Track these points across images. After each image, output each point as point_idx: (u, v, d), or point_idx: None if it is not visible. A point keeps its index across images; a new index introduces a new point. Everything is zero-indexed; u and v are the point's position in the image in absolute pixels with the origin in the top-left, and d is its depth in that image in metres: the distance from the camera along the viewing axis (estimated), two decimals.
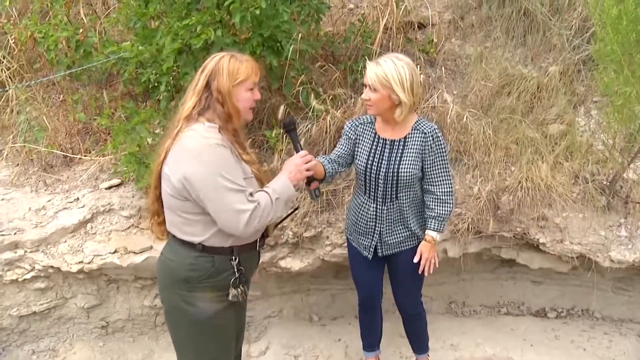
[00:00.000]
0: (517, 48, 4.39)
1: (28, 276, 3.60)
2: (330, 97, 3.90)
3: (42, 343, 3.80)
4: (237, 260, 2.40)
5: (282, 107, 3.82)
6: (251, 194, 2.29)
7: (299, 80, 3.82)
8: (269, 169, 3.91)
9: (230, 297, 2.41)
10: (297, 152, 2.54)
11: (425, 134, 2.85)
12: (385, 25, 4.19)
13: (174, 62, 3.53)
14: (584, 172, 3.80)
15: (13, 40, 4.74)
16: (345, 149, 3.03)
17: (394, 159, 2.87)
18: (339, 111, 3.80)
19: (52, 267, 3.60)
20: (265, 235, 2.57)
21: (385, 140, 2.92)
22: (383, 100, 2.76)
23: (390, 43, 4.17)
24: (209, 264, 2.37)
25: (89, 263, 3.59)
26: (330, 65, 4.02)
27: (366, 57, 3.95)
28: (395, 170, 2.86)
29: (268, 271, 3.90)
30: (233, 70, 2.32)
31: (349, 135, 3.02)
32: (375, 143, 2.94)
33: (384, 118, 2.89)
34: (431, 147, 2.85)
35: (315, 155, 3.79)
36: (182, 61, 3.52)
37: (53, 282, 3.70)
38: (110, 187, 4.01)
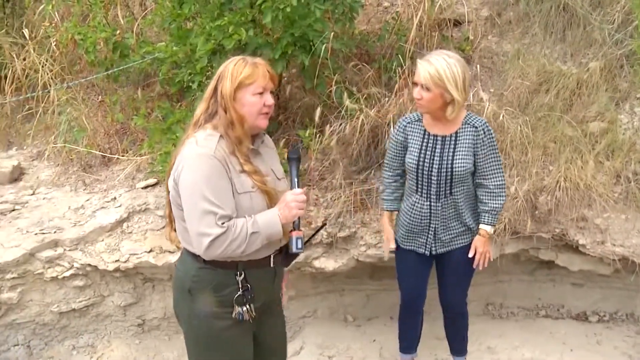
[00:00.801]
0: (555, 44, 4.28)
1: (67, 274, 3.68)
2: (364, 96, 3.87)
3: (82, 339, 3.87)
4: (242, 275, 2.23)
5: (318, 109, 3.82)
6: (227, 218, 2.08)
7: (333, 80, 3.81)
8: (303, 169, 3.92)
9: (233, 315, 2.24)
10: (291, 189, 2.26)
11: (476, 127, 2.84)
12: (420, 22, 4.15)
13: (208, 62, 3.56)
14: (627, 172, 3.67)
15: (54, 43, 4.86)
16: (399, 157, 3.01)
17: (446, 154, 2.85)
18: (372, 110, 3.77)
19: (89, 265, 3.67)
20: (283, 251, 2.33)
21: (436, 136, 2.88)
22: (435, 99, 2.73)
23: (425, 41, 4.11)
24: (211, 276, 2.22)
25: (125, 262, 3.65)
26: (364, 64, 4.00)
27: (400, 56, 3.92)
28: (449, 165, 2.83)
29: (303, 271, 3.90)
30: (237, 72, 2.17)
31: (398, 138, 2.98)
32: (425, 140, 2.90)
33: (433, 115, 2.86)
34: (483, 141, 2.83)
35: (351, 156, 3.80)
36: (216, 61, 3.54)
37: (91, 280, 3.77)
38: (146, 187, 4.07)
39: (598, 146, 3.72)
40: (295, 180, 2.26)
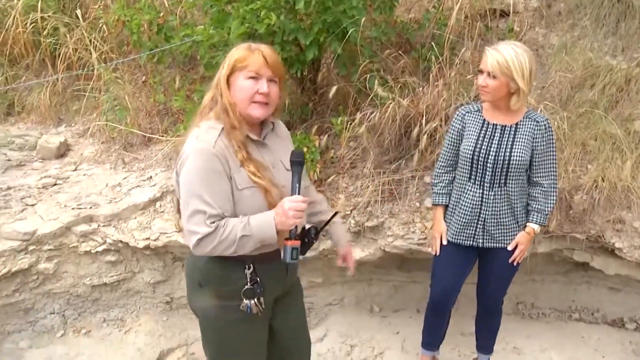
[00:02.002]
0: (606, 37, 4.10)
1: (100, 249, 3.80)
2: (399, 86, 3.80)
3: (112, 312, 3.99)
4: (251, 269, 2.18)
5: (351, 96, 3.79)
6: (217, 217, 2.02)
7: (367, 67, 3.76)
8: (334, 156, 3.90)
9: (241, 307, 2.19)
10: (291, 194, 2.09)
11: (538, 122, 2.82)
12: (464, 13, 4.04)
13: None
14: None
15: (102, 25, 5.00)
16: (454, 147, 2.97)
17: (504, 143, 2.82)
18: (406, 100, 3.70)
19: (121, 241, 3.77)
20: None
21: (496, 125, 2.85)
22: (501, 88, 2.72)
23: (466, 30, 4.01)
24: (218, 270, 2.18)
25: (155, 240, 3.73)
26: (400, 52, 3.92)
27: (438, 45, 3.82)
28: (507, 154, 2.80)
29: (330, 259, 3.89)
30: (232, 56, 2.09)
31: (456, 126, 2.95)
32: (484, 128, 2.87)
33: (496, 105, 2.84)
34: (543, 137, 2.81)
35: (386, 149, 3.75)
36: None
37: (123, 256, 3.87)
38: None
39: None
40: (297, 186, 2.09)
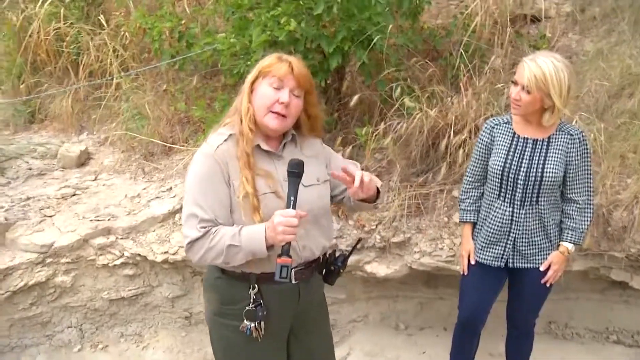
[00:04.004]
0: None
1: (118, 262, 3.71)
2: (426, 95, 3.65)
3: (130, 327, 3.90)
4: (256, 289, 2.07)
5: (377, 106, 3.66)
6: (209, 223, 1.95)
7: (393, 76, 3.62)
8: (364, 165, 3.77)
9: (240, 328, 2.08)
10: (286, 207, 1.93)
11: (571, 135, 2.65)
12: (493, 19, 3.88)
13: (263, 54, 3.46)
14: None
15: (125, 32, 4.94)
16: (482, 161, 2.81)
17: (536, 158, 2.65)
18: (434, 110, 3.54)
19: (139, 255, 3.68)
20: (313, 265, 2.17)
21: (527, 138, 2.69)
22: (534, 103, 2.56)
23: (496, 37, 3.84)
24: (225, 287, 2.12)
25: (174, 254, 3.64)
26: (427, 60, 3.77)
27: (467, 53, 3.67)
28: (539, 170, 2.63)
29: (354, 275, 3.75)
30: (261, 62, 2.05)
31: (484, 140, 2.79)
32: (514, 142, 2.71)
33: (526, 118, 2.68)
34: (577, 151, 2.66)
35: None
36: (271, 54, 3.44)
37: (141, 269, 3.79)
38: None
39: None
40: (291, 199, 1.93)
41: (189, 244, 1.97)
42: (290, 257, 1.91)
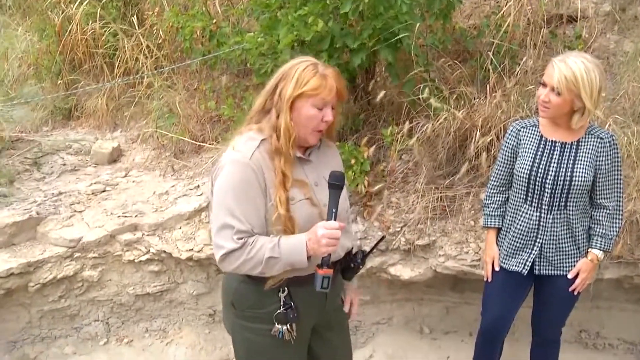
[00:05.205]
0: None
1: (143, 258, 3.76)
2: (454, 97, 3.59)
3: (155, 323, 3.94)
4: (286, 292, 2.07)
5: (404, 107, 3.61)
6: (246, 233, 1.92)
7: (421, 76, 3.56)
8: (384, 169, 3.72)
9: (272, 332, 2.09)
10: (327, 219, 1.94)
11: (601, 139, 2.56)
12: (527, 19, 3.79)
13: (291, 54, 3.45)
14: None
15: (157, 31, 5.00)
16: (508, 165, 2.74)
17: (565, 162, 2.57)
18: (461, 112, 3.47)
19: (164, 252, 3.71)
20: (336, 267, 2.15)
21: (555, 142, 2.61)
22: (564, 105, 2.47)
23: (529, 38, 3.74)
24: (252, 291, 2.09)
25: (199, 252, 3.66)
26: (456, 61, 3.70)
27: (498, 54, 3.59)
28: (568, 174, 2.55)
29: (378, 276, 3.72)
30: (303, 78, 1.95)
31: (509, 143, 2.71)
32: (542, 145, 2.63)
33: (554, 121, 2.60)
34: (607, 155, 2.57)
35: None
36: (297, 54, 3.42)
37: (166, 266, 3.82)
38: None
39: None
40: (333, 211, 1.94)
41: (224, 255, 1.93)
42: (330, 267, 1.93)
